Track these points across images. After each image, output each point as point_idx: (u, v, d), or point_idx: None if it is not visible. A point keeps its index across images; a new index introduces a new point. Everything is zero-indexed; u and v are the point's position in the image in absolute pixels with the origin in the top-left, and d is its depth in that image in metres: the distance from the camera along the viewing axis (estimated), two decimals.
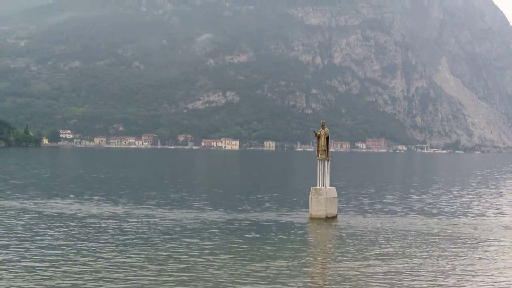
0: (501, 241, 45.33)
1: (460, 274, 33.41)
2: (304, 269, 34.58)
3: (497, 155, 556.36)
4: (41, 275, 30.92)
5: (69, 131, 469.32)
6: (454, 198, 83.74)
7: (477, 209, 68.89)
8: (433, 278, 32.08)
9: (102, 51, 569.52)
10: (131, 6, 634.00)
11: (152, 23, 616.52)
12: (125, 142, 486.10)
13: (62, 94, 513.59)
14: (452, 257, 38.13)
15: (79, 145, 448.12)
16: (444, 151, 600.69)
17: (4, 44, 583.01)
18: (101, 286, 29.06)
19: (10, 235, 43.43)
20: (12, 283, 29.29)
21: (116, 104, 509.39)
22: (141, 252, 37.65)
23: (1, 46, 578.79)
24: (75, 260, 35.03)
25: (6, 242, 40.21)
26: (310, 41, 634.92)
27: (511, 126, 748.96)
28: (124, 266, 33.61)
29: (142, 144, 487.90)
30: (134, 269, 32.99)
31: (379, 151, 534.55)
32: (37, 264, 33.56)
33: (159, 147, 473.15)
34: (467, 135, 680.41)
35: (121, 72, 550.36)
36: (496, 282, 31.61)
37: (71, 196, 73.54)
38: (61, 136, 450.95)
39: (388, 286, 30.46)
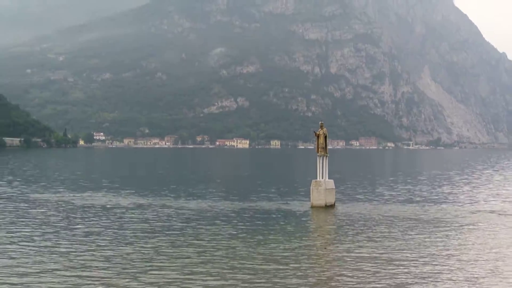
0: (475, 224, 45.46)
1: (437, 251, 33.78)
2: (308, 250, 34.78)
3: (473, 150, 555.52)
4: (76, 260, 30.65)
5: (101, 133, 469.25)
6: (435, 188, 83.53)
7: (455, 197, 69.12)
8: (416, 254, 32.47)
9: (129, 64, 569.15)
10: (154, 25, 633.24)
11: (173, 39, 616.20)
12: (150, 143, 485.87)
13: (95, 101, 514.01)
14: (432, 238, 38.33)
15: (111, 146, 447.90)
16: (427, 147, 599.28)
17: (45, 59, 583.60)
18: (130, 268, 28.79)
19: (50, 224, 43.33)
20: (49, 267, 28.96)
21: (142, 109, 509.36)
22: (164, 238, 37.45)
23: (43, 61, 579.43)
24: (105, 246, 34.78)
25: (44, 231, 40.01)
26: (309, 53, 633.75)
27: (485, 125, 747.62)
28: (148, 249, 33.49)
29: (165, 144, 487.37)
30: (162, 252, 32.87)
31: (371, 148, 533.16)
32: (72, 250, 33.29)
33: (179, 146, 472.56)
34: (447, 133, 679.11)
35: (146, 82, 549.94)
36: (466, 257, 31.52)
37: (104, 189, 73.33)
38: (95, 138, 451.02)
39: (379, 262, 30.53)
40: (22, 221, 44.43)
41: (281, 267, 29.70)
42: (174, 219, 46.82)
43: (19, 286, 25.43)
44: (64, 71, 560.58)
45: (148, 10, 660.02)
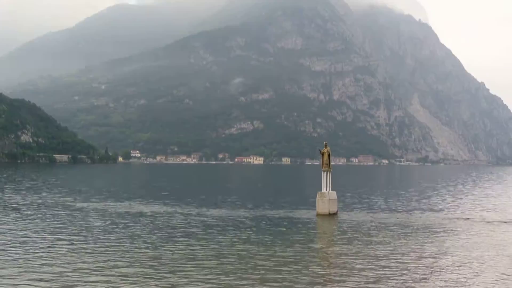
0: (456, 230, 45.23)
1: (428, 253, 33.50)
2: (315, 251, 34.82)
3: (456, 166, 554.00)
4: (108, 261, 30.38)
5: (137, 151, 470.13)
6: (424, 198, 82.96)
7: (440, 207, 68.77)
8: (407, 256, 32.33)
9: (161, 92, 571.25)
10: (183, 59, 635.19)
11: (198, 71, 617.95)
12: (178, 159, 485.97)
13: (132, 124, 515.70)
14: (423, 241, 37.96)
15: (145, 162, 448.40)
16: (416, 164, 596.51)
17: (90, 88, 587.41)
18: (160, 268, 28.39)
19: (89, 229, 43.17)
20: (84, 267, 28.70)
21: (172, 130, 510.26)
22: (189, 242, 37.18)
23: (88, 89, 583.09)
24: (140, 248, 34.51)
25: (85, 235, 39.84)
26: (315, 82, 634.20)
27: (467, 144, 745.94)
28: (175, 252, 33.22)
29: (191, 160, 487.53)
30: (186, 254, 32.56)
31: (368, 164, 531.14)
32: (105, 252, 33.06)
33: (204, 162, 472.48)
34: (433, 151, 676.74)
35: (175, 107, 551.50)
36: (454, 257, 31.07)
37: (139, 199, 73.19)
38: (132, 155, 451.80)
39: (375, 262, 30.42)
40: (66, 227, 44.25)
41: (291, 266, 29.54)
42: (197, 225, 46.58)
43: (57, 284, 25.06)
44: (106, 98, 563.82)
45: (177, 46, 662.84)
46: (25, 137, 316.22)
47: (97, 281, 25.56)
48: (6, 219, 48.58)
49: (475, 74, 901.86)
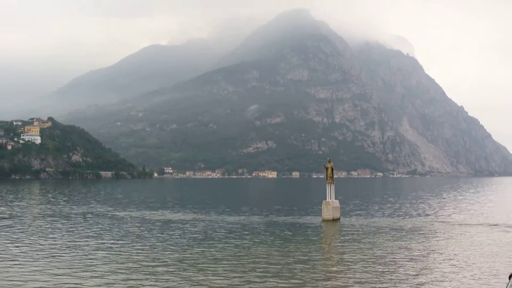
0: (442, 231, 44.88)
1: (417, 252, 33.14)
2: (321, 251, 34.74)
3: (441, 177, 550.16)
4: (140, 262, 30.32)
5: (170, 168, 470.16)
6: (413, 205, 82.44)
7: (427, 212, 68.53)
8: (400, 255, 31.83)
9: (189, 118, 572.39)
10: (207, 89, 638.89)
11: (220, 99, 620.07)
12: (204, 174, 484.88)
13: (165, 145, 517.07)
14: (412, 242, 37.56)
15: (176, 177, 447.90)
16: (406, 176, 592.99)
17: (129, 115, 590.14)
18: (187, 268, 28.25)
19: (129, 235, 43.02)
20: (125, 265, 28.62)
21: (198, 150, 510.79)
22: (212, 244, 37.00)
23: (127, 116, 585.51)
24: (169, 249, 34.40)
25: (122, 240, 39.78)
26: (319, 108, 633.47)
27: (449, 159, 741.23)
28: (199, 253, 32.94)
29: (216, 175, 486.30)
30: (209, 254, 32.35)
31: (365, 176, 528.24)
32: (139, 254, 33.00)
33: (226, 177, 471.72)
34: (421, 165, 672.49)
35: (201, 130, 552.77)
36: (441, 257, 30.70)
37: (170, 208, 73.23)
38: (165, 171, 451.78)
39: (372, 260, 30.13)
40: (107, 233, 44.24)
41: (301, 264, 29.47)
42: (219, 229, 46.49)
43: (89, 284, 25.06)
44: (143, 123, 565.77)
45: (202, 79, 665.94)
46: (76, 157, 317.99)
47: (133, 279, 25.54)
48: (59, 226, 48.74)
49: (455, 99, 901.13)
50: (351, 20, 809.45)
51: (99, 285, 24.29)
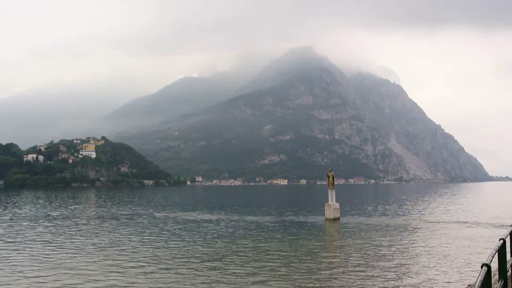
0: (425, 228, 44.27)
1: (405, 245, 32.60)
2: (325, 246, 34.12)
3: (423, 184, 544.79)
4: (174, 258, 30.22)
5: (200, 177, 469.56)
6: (404, 207, 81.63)
7: (412, 212, 67.78)
8: (392, 248, 31.32)
9: (216, 136, 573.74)
10: (230, 113, 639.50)
11: (241, 121, 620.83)
12: (228, 182, 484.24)
13: (196, 158, 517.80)
14: (401, 237, 37.23)
15: (205, 184, 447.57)
16: (394, 182, 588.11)
17: (167, 134, 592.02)
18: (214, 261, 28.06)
19: (164, 232, 42.95)
20: (157, 259, 28.51)
21: (223, 162, 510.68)
22: (232, 240, 36.82)
23: (165, 135, 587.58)
24: (196, 244, 34.26)
25: (159, 237, 39.73)
26: (322, 127, 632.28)
27: (429, 168, 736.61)
28: (222, 249, 32.72)
29: (237, 183, 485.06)
30: (230, 249, 32.20)
31: (360, 183, 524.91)
32: (176, 249, 32.88)
33: (246, 184, 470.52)
34: (406, 173, 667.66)
35: (225, 146, 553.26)
36: (428, 253, 30.12)
37: (200, 210, 73.16)
38: (196, 179, 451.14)
39: (368, 253, 29.70)
40: (146, 230, 44.27)
41: (308, 256, 29.20)
42: (237, 227, 46.25)
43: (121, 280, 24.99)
44: (178, 141, 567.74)
45: (226, 104, 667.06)
46: (124, 169, 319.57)
47: (164, 269, 25.44)
48: (106, 225, 48.83)
49: (434, 119, 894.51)
50: (347, 55, 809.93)
51: (138, 273, 24.26)
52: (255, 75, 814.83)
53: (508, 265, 7.88)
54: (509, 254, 7.51)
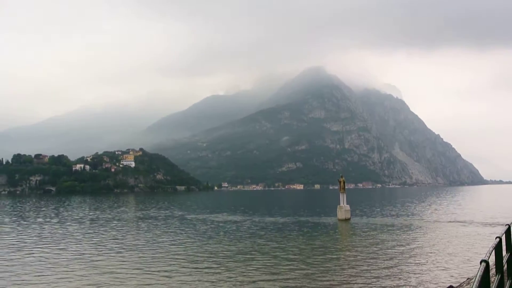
0: (425, 227, 43.50)
1: (407, 242, 32.05)
2: (337, 243, 33.83)
3: (424, 187, 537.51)
4: (199, 256, 30.15)
5: (226, 183, 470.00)
6: (407, 208, 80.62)
7: (415, 213, 66.81)
8: (397, 245, 30.79)
9: (239, 146, 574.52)
10: (252, 126, 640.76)
11: (261, 133, 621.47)
12: (251, 187, 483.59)
13: (222, 166, 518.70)
14: (405, 235, 36.67)
15: (231, 189, 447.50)
16: (399, 186, 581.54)
17: (196, 145, 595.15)
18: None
19: (194, 232, 42.95)
20: (184, 257, 28.47)
21: (246, 170, 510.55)
22: (253, 239, 36.69)
23: (195, 146, 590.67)
24: (221, 243, 34.14)
25: (189, 237, 39.72)
26: (333, 138, 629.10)
27: (430, 173, 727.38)
28: (247, 246, 32.59)
29: (259, 188, 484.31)
30: (252, 247, 32.07)
31: (368, 187, 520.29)
32: (198, 248, 32.82)
33: (266, 189, 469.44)
34: (409, 178, 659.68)
35: (248, 155, 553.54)
36: (429, 251, 29.79)
37: (226, 212, 73.17)
38: (222, 185, 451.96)
39: (376, 249, 29.26)
40: (178, 230, 44.33)
41: (322, 252, 28.89)
42: (259, 227, 45.97)
43: (151, 273, 25.00)
44: (206, 151, 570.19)
45: (248, 119, 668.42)
46: (159, 176, 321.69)
47: (193, 263, 25.40)
48: (143, 226, 49.08)
49: (434, 129, 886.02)
50: (354, 73, 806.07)
51: (171, 270, 24.23)
52: (273, 92, 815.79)
53: (504, 261, 7.95)
54: (505, 251, 7.92)
